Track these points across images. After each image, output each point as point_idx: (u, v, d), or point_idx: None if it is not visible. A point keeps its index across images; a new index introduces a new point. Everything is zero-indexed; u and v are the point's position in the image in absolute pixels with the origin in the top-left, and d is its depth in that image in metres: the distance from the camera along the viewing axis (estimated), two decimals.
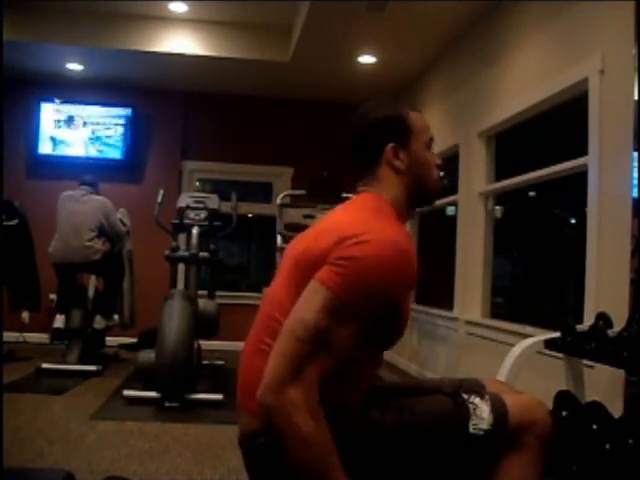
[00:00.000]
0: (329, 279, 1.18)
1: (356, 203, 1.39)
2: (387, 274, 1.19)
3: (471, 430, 1.29)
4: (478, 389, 1.39)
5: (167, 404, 3.70)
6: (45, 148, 6.31)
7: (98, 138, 6.40)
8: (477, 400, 1.33)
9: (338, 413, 1.21)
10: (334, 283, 1.17)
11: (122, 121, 6.41)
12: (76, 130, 6.36)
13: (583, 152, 2.99)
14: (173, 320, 3.82)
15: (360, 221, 1.27)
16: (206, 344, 4.83)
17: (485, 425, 1.30)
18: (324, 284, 1.18)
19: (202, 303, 4.49)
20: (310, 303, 1.18)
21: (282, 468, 1.16)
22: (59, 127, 6.35)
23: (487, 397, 1.34)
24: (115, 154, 6.42)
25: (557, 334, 2.35)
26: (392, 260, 1.20)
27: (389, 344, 1.34)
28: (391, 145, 1.37)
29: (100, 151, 6.40)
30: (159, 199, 4.79)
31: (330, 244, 1.22)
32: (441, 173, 1.45)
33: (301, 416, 1.12)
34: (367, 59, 5.33)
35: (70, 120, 6.36)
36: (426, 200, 1.45)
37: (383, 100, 1.46)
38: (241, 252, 7.68)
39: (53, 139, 6.34)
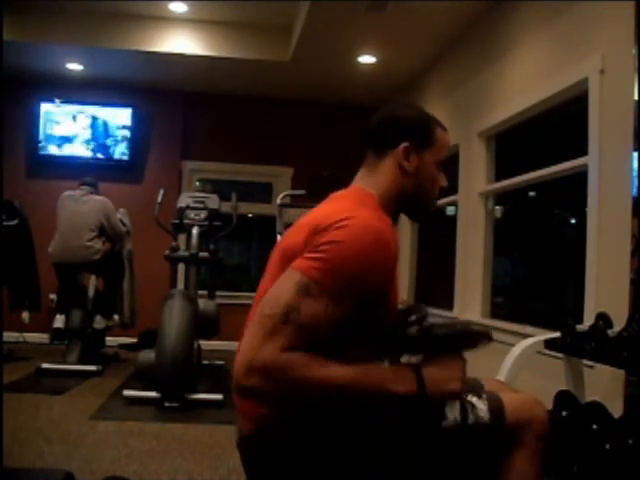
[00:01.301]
0: (303, 264, 1.17)
1: (340, 195, 1.39)
2: (365, 257, 1.16)
3: (468, 429, 1.29)
4: (476, 388, 1.39)
5: (167, 404, 3.70)
6: (45, 148, 6.31)
7: (98, 138, 6.40)
8: (474, 399, 1.33)
9: (336, 412, 1.21)
10: (308, 267, 1.15)
11: (122, 121, 6.41)
12: (76, 130, 6.36)
13: (583, 152, 2.99)
14: (173, 320, 3.82)
15: (339, 210, 1.25)
16: (206, 344, 4.83)
17: (482, 423, 1.30)
18: (298, 269, 1.16)
19: (202, 303, 4.49)
20: (282, 286, 1.16)
21: (280, 469, 1.16)
22: (59, 127, 6.34)
23: (484, 396, 1.34)
24: (115, 154, 6.41)
25: (557, 334, 2.36)
26: (370, 243, 1.17)
27: (379, 331, 1.32)
28: (406, 144, 1.36)
29: (100, 151, 6.40)
30: (159, 199, 4.79)
31: (307, 235, 1.21)
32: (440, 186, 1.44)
33: (284, 370, 1.08)
34: (367, 59, 5.33)
35: (70, 120, 6.36)
36: (415, 211, 1.45)
37: (415, 105, 1.47)
38: (241, 252, 7.68)
39: (53, 139, 6.34)
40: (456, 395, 1.24)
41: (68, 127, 6.35)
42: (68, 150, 6.34)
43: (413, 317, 1.30)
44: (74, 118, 6.36)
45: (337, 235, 1.17)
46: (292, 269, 1.18)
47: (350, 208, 1.26)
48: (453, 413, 1.28)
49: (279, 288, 1.17)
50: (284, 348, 1.09)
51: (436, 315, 4.84)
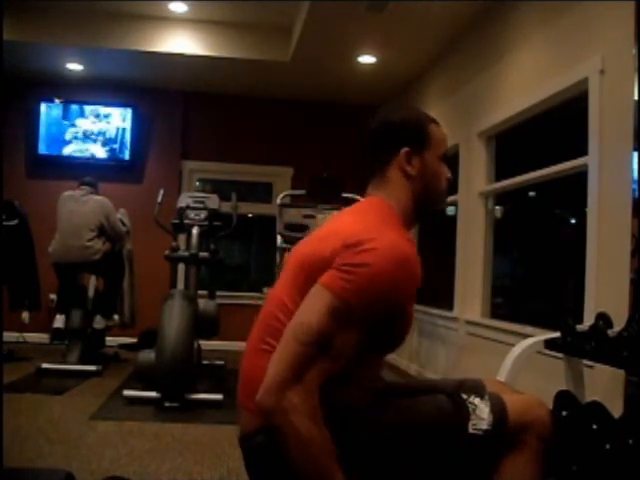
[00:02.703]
0: (334, 284, 1.18)
1: (362, 208, 1.40)
2: (393, 281, 1.19)
3: (470, 430, 1.29)
4: (478, 389, 1.39)
5: (167, 404, 3.70)
6: (45, 148, 6.31)
7: (98, 138, 6.40)
8: (477, 400, 1.33)
9: (339, 413, 1.22)
10: (339, 288, 1.17)
11: (122, 121, 6.41)
12: (76, 130, 6.36)
13: (583, 152, 2.99)
14: (173, 320, 3.82)
15: (366, 227, 1.27)
16: (206, 344, 4.83)
17: (484, 425, 1.30)
18: (329, 288, 1.18)
19: (202, 303, 4.49)
20: (314, 307, 1.18)
21: (282, 467, 1.17)
22: (59, 127, 6.34)
23: (487, 397, 1.34)
24: (115, 154, 6.42)
25: (557, 334, 2.35)
26: (398, 267, 1.20)
27: (392, 348, 1.35)
28: (405, 149, 1.37)
29: (100, 151, 6.40)
30: (159, 199, 4.78)
31: (336, 248, 1.22)
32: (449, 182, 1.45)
33: (300, 419, 1.12)
34: (367, 59, 5.33)
35: (70, 120, 6.36)
36: (430, 209, 1.46)
37: (405, 106, 1.49)
38: (241, 252, 7.68)
39: (53, 139, 6.34)
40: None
41: (68, 127, 6.35)
42: (68, 150, 6.34)
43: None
44: (74, 118, 6.36)
45: (365, 258, 1.19)
46: (321, 286, 1.19)
47: (376, 225, 1.28)
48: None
49: (310, 309, 1.18)
50: (311, 393, 1.13)
51: (436, 315, 4.84)
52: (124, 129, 6.40)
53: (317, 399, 1.15)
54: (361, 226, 1.28)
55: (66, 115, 6.36)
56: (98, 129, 6.40)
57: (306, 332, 1.15)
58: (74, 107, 6.38)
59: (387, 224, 1.30)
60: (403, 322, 1.29)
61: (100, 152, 6.40)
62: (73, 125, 6.37)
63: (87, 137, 6.38)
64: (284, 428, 1.13)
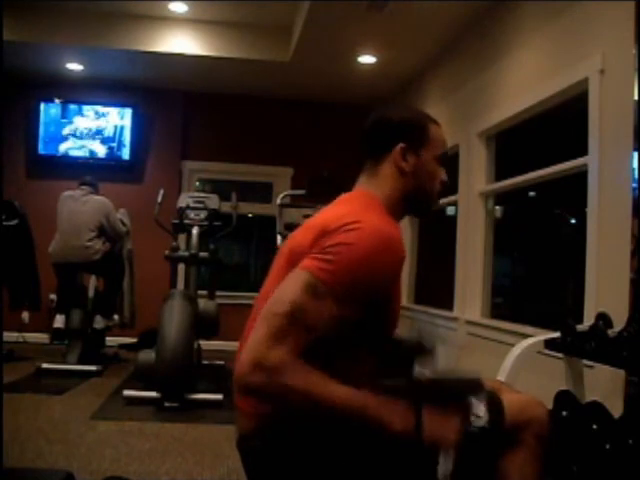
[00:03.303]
0: (311, 264, 1.17)
1: (346, 198, 1.40)
2: (375, 260, 1.18)
3: (467, 428, 1.29)
4: (475, 387, 1.39)
5: (167, 404, 3.70)
6: (45, 148, 6.31)
7: (98, 138, 6.40)
8: (473, 399, 1.33)
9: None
10: (316, 268, 1.16)
11: (122, 121, 6.41)
12: (76, 130, 6.36)
13: (583, 152, 2.99)
14: (173, 320, 3.82)
15: (350, 212, 1.26)
16: (206, 344, 4.83)
17: (481, 423, 1.30)
18: (305, 269, 1.17)
19: (202, 303, 4.49)
20: (289, 286, 1.17)
21: (280, 469, 1.16)
22: (59, 127, 6.35)
23: (484, 395, 1.34)
24: (115, 154, 6.42)
25: (557, 334, 2.36)
26: (380, 246, 1.19)
27: (381, 335, 1.33)
28: (402, 145, 1.37)
29: (100, 151, 6.40)
30: (159, 199, 4.79)
31: (315, 237, 1.22)
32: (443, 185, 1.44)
33: (289, 376, 1.10)
34: (367, 59, 5.33)
35: (70, 120, 6.36)
36: (419, 209, 1.45)
37: (406, 105, 1.49)
38: (241, 252, 7.68)
39: (53, 139, 6.34)
40: (450, 446, 1.21)
41: (68, 127, 6.35)
42: (68, 150, 6.34)
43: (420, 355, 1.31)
44: (74, 118, 6.36)
45: (346, 237, 1.18)
46: (299, 269, 1.18)
47: (358, 211, 1.27)
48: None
49: (286, 287, 1.17)
50: (292, 353, 1.11)
51: (436, 315, 4.84)
52: (124, 129, 6.40)
53: (298, 359, 1.12)
54: (342, 212, 1.27)
55: (66, 115, 6.36)
56: (98, 129, 6.39)
57: (280, 304, 1.14)
58: (74, 107, 6.38)
59: (371, 209, 1.30)
60: (388, 306, 1.28)
61: (100, 152, 6.40)
62: (73, 125, 6.37)
63: (87, 137, 6.38)
64: (279, 393, 1.11)
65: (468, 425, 1.28)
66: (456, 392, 1.29)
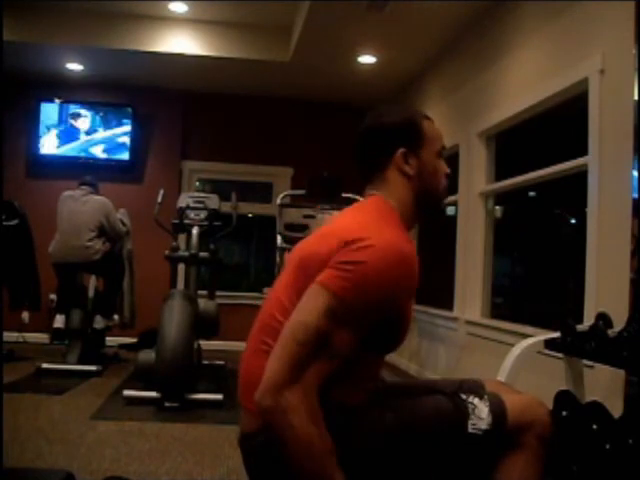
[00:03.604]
0: (331, 282, 1.18)
1: (362, 206, 1.40)
2: (390, 279, 1.19)
3: (470, 430, 1.29)
4: (477, 389, 1.39)
5: (167, 404, 3.70)
6: (45, 148, 6.31)
7: (98, 138, 6.40)
8: (476, 400, 1.33)
9: (338, 413, 1.22)
10: (336, 287, 1.17)
11: (122, 121, 6.41)
12: (76, 130, 6.36)
13: (583, 152, 2.99)
14: (173, 320, 3.82)
15: (364, 225, 1.27)
16: (206, 344, 4.83)
17: (484, 425, 1.30)
18: (326, 287, 1.18)
19: (202, 303, 4.49)
20: (311, 306, 1.17)
21: (281, 468, 1.17)
22: (59, 127, 6.34)
23: (486, 397, 1.34)
24: (115, 154, 6.42)
25: (557, 334, 2.35)
26: (395, 265, 1.20)
27: (391, 348, 1.35)
28: (402, 150, 1.37)
29: (100, 151, 6.40)
30: (159, 199, 4.78)
31: (332, 247, 1.22)
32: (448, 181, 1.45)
33: (299, 419, 1.12)
34: (367, 59, 5.33)
35: (70, 120, 6.36)
36: (432, 208, 1.45)
37: (397, 105, 1.49)
38: (241, 252, 7.68)
39: (53, 139, 6.33)
40: None
41: (68, 127, 6.35)
42: (68, 150, 6.34)
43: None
44: (74, 118, 6.36)
45: (362, 256, 1.19)
46: (318, 285, 1.19)
47: (374, 224, 1.27)
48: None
49: (307, 308, 1.18)
50: (311, 389, 1.13)
51: (436, 315, 4.84)
52: (124, 129, 6.40)
53: (315, 399, 1.14)
54: (359, 224, 1.28)
55: (66, 115, 6.36)
56: (98, 129, 6.39)
57: (304, 331, 1.15)
58: (74, 107, 6.38)
59: (386, 222, 1.30)
60: (401, 322, 1.29)
61: (100, 152, 6.40)
62: (73, 125, 6.37)
63: (87, 137, 6.38)
64: (283, 428, 1.13)
65: (470, 425, 1.29)
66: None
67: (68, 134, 6.36)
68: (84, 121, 6.37)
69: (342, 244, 1.21)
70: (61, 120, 6.35)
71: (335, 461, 1.15)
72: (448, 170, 1.44)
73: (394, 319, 1.26)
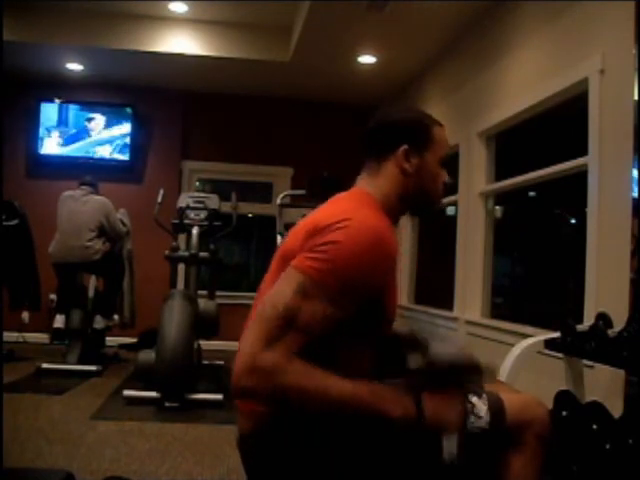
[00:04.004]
0: (302, 264, 1.18)
1: (340, 197, 1.40)
2: (365, 257, 1.18)
3: (468, 428, 1.29)
4: (476, 388, 1.39)
5: (167, 404, 3.70)
6: (45, 148, 6.31)
7: (98, 138, 6.40)
8: (474, 399, 1.33)
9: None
10: (306, 266, 1.17)
11: (122, 121, 6.41)
12: (76, 130, 6.36)
13: (583, 152, 2.99)
14: (173, 320, 3.82)
15: (341, 210, 1.26)
16: (206, 344, 4.83)
17: (482, 424, 1.29)
18: (296, 268, 1.18)
19: (202, 303, 4.49)
20: (281, 287, 1.17)
21: (279, 468, 1.17)
22: (59, 127, 6.34)
23: (484, 396, 1.34)
24: (115, 154, 6.42)
25: (557, 334, 2.36)
26: (370, 243, 1.19)
27: (377, 330, 1.33)
28: (405, 147, 1.37)
29: (100, 151, 6.40)
30: (159, 199, 4.79)
31: (306, 235, 1.23)
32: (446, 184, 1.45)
33: (282, 375, 1.10)
34: (367, 59, 5.33)
35: (70, 120, 6.36)
36: (419, 210, 1.46)
37: (410, 107, 1.51)
38: (241, 252, 7.68)
39: (53, 139, 6.33)
40: (454, 428, 1.23)
41: (68, 127, 6.35)
42: (68, 150, 6.34)
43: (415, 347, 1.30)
44: (74, 118, 6.36)
45: (336, 235, 1.18)
46: (291, 268, 1.19)
47: (349, 209, 1.27)
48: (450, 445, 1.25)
49: (278, 288, 1.18)
50: (286, 354, 1.11)
51: (436, 315, 4.84)
52: (124, 129, 6.40)
53: (296, 359, 1.12)
54: (334, 211, 1.27)
55: (66, 115, 6.36)
56: (98, 129, 6.39)
57: (272, 307, 1.14)
58: (74, 107, 6.38)
59: (363, 206, 1.30)
60: (383, 302, 1.28)
61: (100, 152, 6.40)
62: (73, 125, 6.37)
63: (87, 137, 6.38)
64: (273, 393, 1.11)
65: (469, 424, 1.29)
66: (455, 374, 1.29)
67: (68, 134, 6.35)
68: (84, 121, 6.37)
69: (315, 230, 1.21)
70: (61, 120, 6.34)
71: (335, 381, 1.13)
72: (447, 178, 1.45)
73: (375, 299, 1.25)
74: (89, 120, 6.36)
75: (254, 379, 1.10)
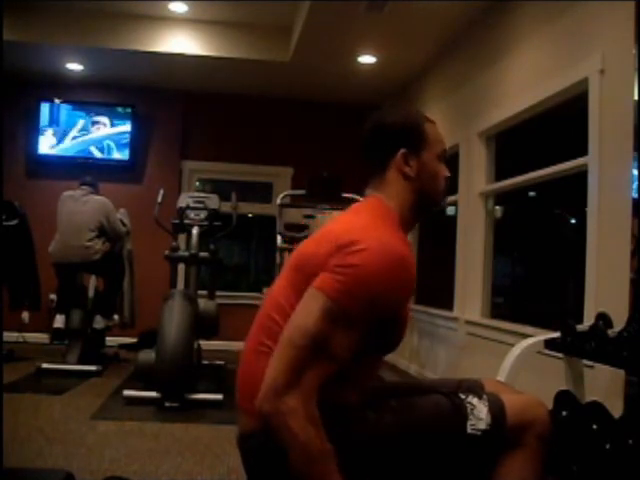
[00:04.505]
0: (326, 286, 1.19)
1: (360, 208, 1.40)
2: (386, 282, 1.19)
3: (469, 430, 1.29)
4: (476, 389, 1.39)
5: (167, 404, 3.70)
6: (45, 148, 6.31)
7: (98, 138, 6.40)
8: (475, 400, 1.33)
9: (337, 413, 1.22)
10: (333, 290, 1.18)
11: (122, 121, 6.41)
12: (76, 130, 6.36)
13: (583, 152, 2.99)
14: (173, 320, 3.82)
15: (359, 228, 1.27)
16: (206, 344, 4.83)
17: (483, 425, 1.29)
18: (322, 291, 1.19)
19: (202, 303, 4.49)
20: (308, 310, 1.18)
21: (279, 468, 1.17)
22: (59, 127, 6.34)
23: (485, 397, 1.34)
24: (115, 154, 6.42)
25: (557, 334, 2.35)
26: (391, 267, 1.20)
27: (389, 349, 1.35)
28: (402, 151, 1.37)
29: (100, 151, 6.40)
30: (159, 199, 4.78)
31: (329, 250, 1.23)
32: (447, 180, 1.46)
33: (299, 423, 1.12)
34: (367, 59, 5.33)
35: (70, 120, 6.36)
36: (429, 209, 1.46)
37: (400, 106, 1.50)
38: (241, 252, 7.68)
39: (53, 139, 6.33)
40: None
41: (68, 127, 6.35)
42: (68, 150, 6.34)
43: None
44: (74, 118, 6.36)
45: (357, 259, 1.19)
46: (316, 290, 1.20)
47: (371, 226, 1.28)
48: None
49: (305, 312, 1.19)
50: (309, 393, 1.14)
51: (436, 315, 4.84)
52: (124, 129, 6.40)
53: (315, 403, 1.15)
54: (355, 226, 1.28)
55: (66, 115, 6.36)
56: (98, 129, 6.39)
57: (301, 335, 1.16)
58: (74, 107, 6.37)
59: (383, 224, 1.30)
60: (397, 323, 1.30)
61: (100, 152, 6.40)
62: (73, 125, 6.37)
63: (87, 137, 6.38)
64: (283, 432, 1.14)
65: (469, 425, 1.29)
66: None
67: (68, 134, 6.34)
68: (84, 121, 6.36)
69: (337, 247, 1.22)
70: (61, 120, 6.33)
71: (335, 464, 1.15)
72: (448, 173, 1.45)
73: (390, 321, 1.26)
74: (89, 120, 6.36)
75: (272, 408, 1.14)
